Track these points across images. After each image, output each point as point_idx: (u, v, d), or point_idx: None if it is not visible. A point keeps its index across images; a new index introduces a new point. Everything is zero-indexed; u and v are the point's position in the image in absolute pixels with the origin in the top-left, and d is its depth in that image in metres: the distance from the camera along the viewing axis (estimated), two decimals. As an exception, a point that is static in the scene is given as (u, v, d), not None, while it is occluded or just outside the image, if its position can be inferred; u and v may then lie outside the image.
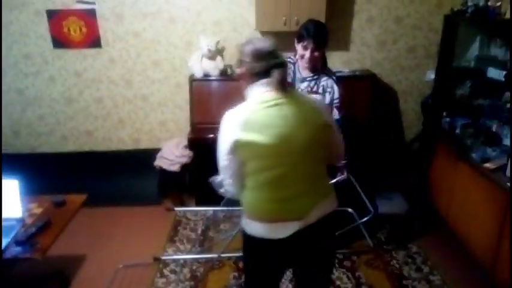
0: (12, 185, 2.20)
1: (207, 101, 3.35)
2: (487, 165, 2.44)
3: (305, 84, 2.31)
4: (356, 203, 2.87)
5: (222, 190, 1.57)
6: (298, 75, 2.32)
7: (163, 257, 2.80)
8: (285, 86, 1.41)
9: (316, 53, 2.19)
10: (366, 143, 3.29)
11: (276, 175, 1.40)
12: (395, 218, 3.29)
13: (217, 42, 3.31)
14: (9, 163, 3.81)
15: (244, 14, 3.40)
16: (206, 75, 3.35)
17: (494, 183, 2.31)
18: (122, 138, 3.81)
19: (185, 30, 3.44)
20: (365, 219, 2.81)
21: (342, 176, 2.40)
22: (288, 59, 2.34)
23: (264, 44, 1.41)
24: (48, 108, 3.68)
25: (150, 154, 3.50)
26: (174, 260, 2.82)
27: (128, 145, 3.83)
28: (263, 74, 1.38)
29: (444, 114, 3.08)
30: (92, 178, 3.65)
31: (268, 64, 1.37)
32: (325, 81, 2.33)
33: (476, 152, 2.57)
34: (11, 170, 3.08)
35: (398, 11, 3.42)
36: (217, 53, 3.36)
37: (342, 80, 3.27)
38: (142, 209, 3.45)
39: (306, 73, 2.32)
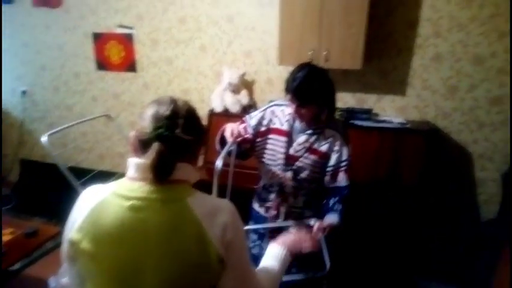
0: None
1: (224, 139, 2.98)
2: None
3: (303, 138, 1.73)
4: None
5: None
6: (296, 125, 1.76)
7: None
8: (161, 177, 0.91)
9: (302, 110, 1.63)
10: (414, 218, 2.51)
11: None
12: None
13: (242, 75, 2.94)
14: (56, 172, 4.08)
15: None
16: (227, 110, 3.00)
17: None
18: (151, 165, 3.70)
19: (215, 60, 3.16)
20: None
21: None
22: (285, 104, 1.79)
23: (169, 106, 0.96)
24: (90, 126, 3.78)
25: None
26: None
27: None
28: (143, 146, 0.94)
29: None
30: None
31: (154, 132, 0.92)
32: (331, 137, 1.72)
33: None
34: (54, 179, 3.16)
35: (478, 49, 2.55)
36: (242, 87, 2.98)
37: (388, 132, 2.61)
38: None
39: (306, 124, 1.75)
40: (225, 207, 0.97)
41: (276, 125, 1.78)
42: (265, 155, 1.79)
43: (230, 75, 2.90)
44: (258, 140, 1.79)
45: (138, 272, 0.88)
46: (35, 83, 3.84)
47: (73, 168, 4.27)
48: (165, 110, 0.94)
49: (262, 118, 1.79)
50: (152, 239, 0.88)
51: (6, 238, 2.34)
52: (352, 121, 2.75)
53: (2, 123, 4.07)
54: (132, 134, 0.99)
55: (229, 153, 1.64)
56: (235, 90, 2.96)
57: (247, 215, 1.99)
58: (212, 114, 3.04)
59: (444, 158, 2.78)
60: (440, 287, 2.68)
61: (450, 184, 2.81)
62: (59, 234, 2.50)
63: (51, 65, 3.70)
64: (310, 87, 1.59)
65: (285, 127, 1.75)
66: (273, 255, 1.21)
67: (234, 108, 2.95)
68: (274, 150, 1.76)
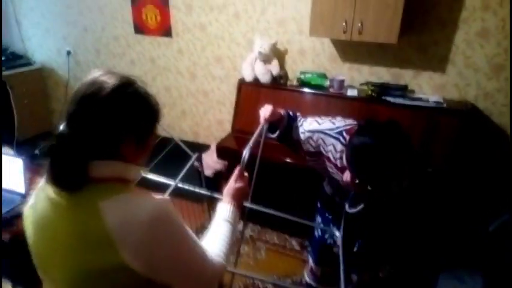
0: (18, 164, 2.37)
1: (253, 109, 2.97)
2: None
3: None
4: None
5: None
6: None
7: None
8: (64, 186, 0.83)
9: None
10: (440, 206, 2.44)
11: None
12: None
13: (273, 44, 2.88)
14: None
15: (314, 14, 2.84)
16: (257, 80, 2.98)
17: None
18: (184, 129, 3.80)
19: (248, 28, 3.11)
20: None
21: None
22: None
23: (90, 83, 0.87)
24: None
25: (206, 150, 3.39)
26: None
27: (188, 136, 3.80)
28: None
29: None
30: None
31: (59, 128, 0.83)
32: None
33: None
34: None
35: (531, 25, 2.32)
36: (273, 56, 2.93)
37: (421, 111, 2.49)
38: (180, 202, 3.33)
39: None
40: (146, 214, 0.81)
41: (330, 157, 1.64)
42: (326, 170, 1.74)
43: (261, 44, 2.85)
44: (310, 158, 1.74)
45: (51, 266, 0.89)
46: (78, 44, 3.99)
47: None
48: (81, 86, 0.86)
49: (310, 138, 1.67)
50: (59, 240, 0.84)
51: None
52: (384, 97, 2.64)
53: (49, 80, 4.32)
54: None
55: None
56: (266, 59, 2.92)
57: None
58: (242, 83, 3.04)
59: (481, 140, 2.63)
60: (464, 274, 2.61)
61: (484, 168, 2.67)
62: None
63: (93, 27, 3.82)
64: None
65: (339, 164, 1.61)
66: (220, 217, 1.14)
67: (264, 78, 2.93)
68: (336, 174, 1.68)
